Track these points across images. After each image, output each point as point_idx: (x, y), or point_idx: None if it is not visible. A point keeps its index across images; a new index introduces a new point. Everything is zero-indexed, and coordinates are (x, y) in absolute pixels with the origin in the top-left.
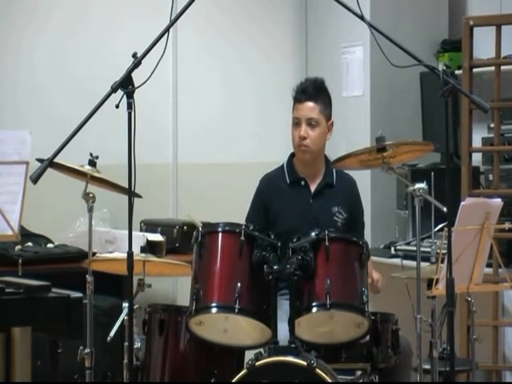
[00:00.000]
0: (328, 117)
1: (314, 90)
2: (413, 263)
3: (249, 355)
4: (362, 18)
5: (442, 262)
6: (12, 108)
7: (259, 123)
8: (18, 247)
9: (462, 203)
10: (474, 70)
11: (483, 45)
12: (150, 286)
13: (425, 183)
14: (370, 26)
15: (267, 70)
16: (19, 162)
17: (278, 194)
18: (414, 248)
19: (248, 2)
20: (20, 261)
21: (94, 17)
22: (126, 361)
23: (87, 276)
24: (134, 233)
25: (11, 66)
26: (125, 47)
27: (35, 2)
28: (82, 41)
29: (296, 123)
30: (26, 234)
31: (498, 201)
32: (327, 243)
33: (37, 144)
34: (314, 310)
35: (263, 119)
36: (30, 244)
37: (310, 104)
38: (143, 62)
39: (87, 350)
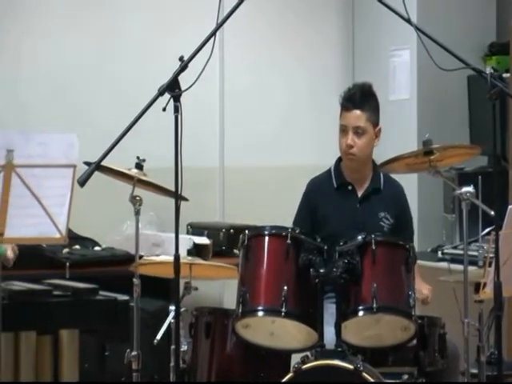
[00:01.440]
0: (375, 123)
1: (360, 98)
2: (460, 267)
3: (295, 358)
4: (408, 21)
5: (490, 265)
6: (59, 111)
7: (309, 126)
8: (65, 250)
9: (510, 206)
10: None
11: None
12: (196, 288)
13: (472, 187)
14: (417, 29)
15: (314, 71)
16: (67, 166)
17: (325, 197)
18: (461, 252)
19: (296, 6)
20: (67, 263)
21: (141, 20)
22: (172, 364)
23: (134, 279)
24: (180, 236)
25: (58, 69)
26: (172, 50)
27: (80, 4)
28: (129, 43)
29: (343, 130)
30: (73, 237)
31: None
32: (374, 247)
33: (84, 147)
34: (361, 313)
35: (313, 122)
36: (77, 247)
37: (357, 112)
38: (190, 65)
39: (134, 353)
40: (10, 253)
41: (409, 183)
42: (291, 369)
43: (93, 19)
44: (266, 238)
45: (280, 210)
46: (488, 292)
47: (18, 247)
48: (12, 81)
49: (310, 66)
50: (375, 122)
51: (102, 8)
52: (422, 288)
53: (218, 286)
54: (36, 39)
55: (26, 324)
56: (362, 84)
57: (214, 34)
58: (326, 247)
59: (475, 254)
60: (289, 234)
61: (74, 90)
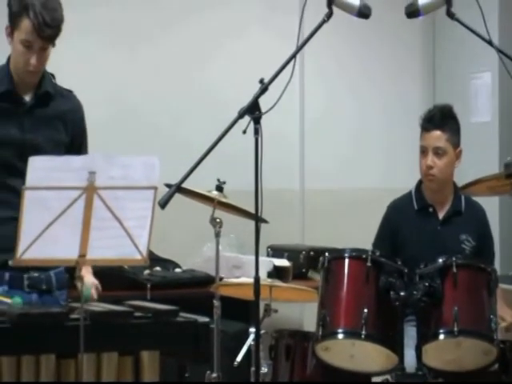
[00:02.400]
0: (456, 145)
1: (441, 118)
2: None
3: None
4: (490, 43)
5: None
6: (140, 132)
7: (387, 148)
8: (146, 272)
9: None
10: None
11: None
12: (276, 311)
13: None
14: (499, 51)
15: (395, 95)
16: (148, 187)
17: (405, 220)
18: None
19: (376, 28)
20: (148, 285)
21: (222, 43)
22: None
23: (214, 301)
24: (260, 258)
25: (139, 91)
26: (252, 73)
27: (165, 27)
28: (209, 66)
29: (423, 151)
30: (154, 259)
31: None
32: (455, 270)
33: (165, 169)
34: (442, 336)
35: (391, 144)
36: (158, 268)
37: (437, 133)
38: (270, 87)
39: (214, 375)
40: (94, 292)
41: (490, 206)
42: None
43: (175, 41)
44: (346, 261)
45: (360, 232)
46: None
47: (100, 268)
48: (87, 102)
49: (387, 90)
50: (455, 143)
51: (185, 30)
52: (505, 314)
53: (298, 309)
54: (112, 56)
55: (107, 345)
56: (442, 106)
57: (293, 56)
58: (406, 270)
59: None
60: (369, 257)
61: (154, 112)
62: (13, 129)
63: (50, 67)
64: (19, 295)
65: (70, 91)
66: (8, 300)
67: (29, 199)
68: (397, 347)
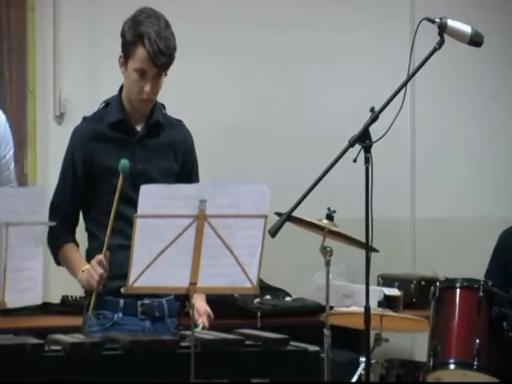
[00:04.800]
0: None
1: None
2: None
3: None
4: None
5: None
6: (251, 160)
7: (499, 177)
8: (256, 300)
9: None
10: None
11: None
12: (387, 340)
13: None
14: None
15: (500, 121)
16: (258, 216)
17: None
18: None
19: (490, 52)
20: (259, 313)
21: (333, 70)
22: None
23: (325, 330)
24: (371, 287)
25: (249, 119)
26: (362, 101)
27: (276, 52)
28: (320, 94)
29: None
30: (264, 287)
31: None
32: None
33: (275, 197)
34: None
35: (503, 173)
36: (268, 297)
37: None
38: (380, 116)
39: None
40: (205, 320)
41: None
42: None
43: (285, 67)
44: (458, 291)
45: (472, 261)
46: None
47: (211, 296)
48: (196, 131)
49: (503, 117)
50: None
51: (296, 55)
52: None
53: (409, 338)
54: (220, 83)
55: (217, 373)
56: None
57: (404, 85)
58: None
59: None
60: (481, 287)
61: (265, 139)
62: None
63: (159, 97)
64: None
65: (179, 121)
66: None
67: (140, 227)
68: (510, 378)
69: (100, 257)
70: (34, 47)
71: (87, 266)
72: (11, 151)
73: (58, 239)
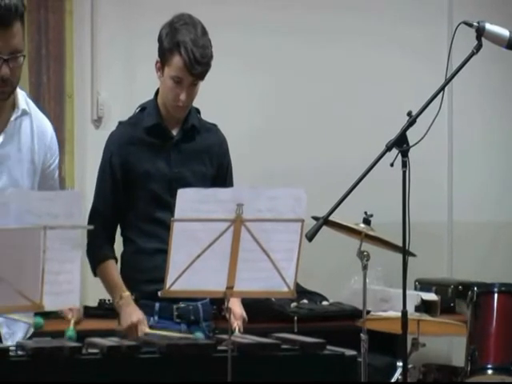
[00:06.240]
0: None
1: None
2: None
3: None
4: None
5: None
6: (286, 164)
7: None
8: (293, 304)
9: None
10: None
11: None
12: (424, 345)
13: None
14: None
15: None
16: (295, 220)
17: None
18: None
19: None
20: (295, 318)
21: (368, 71)
22: None
23: (361, 334)
24: (408, 292)
25: (283, 123)
26: (400, 105)
27: (309, 56)
28: (355, 96)
29: None
30: (301, 292)
31: None
32: None
33: (312, 201)
34: None
35: None
36: (305, 301)
37: None
38: (418, 119)
39: None
40: (240, 324)
41: None
42: None
43: (320, 71)
44: (495, 296)
45: (510, 265)
46: None
47: (247, 300)
48: (230, 134)
49: None
50: None
51: (331, 58)
52: None
53: (446, 343)
54: (254, 87)
55: (254, 377)
56: None
57: (442, 89)
58: None
59: None
60: None
61: (299, 143)
62: (161, 163)
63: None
64: (200, 331)
65: (214, 125)
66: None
67: (177, 231)
68: None
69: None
70: (71, 51)
71: (127, 293)
72: (56, 161)
73: (99, 253)
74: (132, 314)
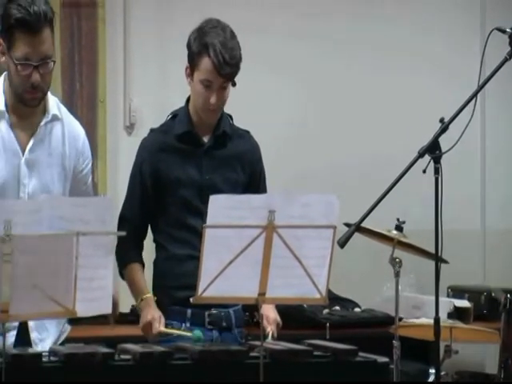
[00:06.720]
0: None
1: None
2: None
3: None
4: None
5: None
6: (319, 170)
7: None
8: (325, 311)
9: None
10: None
11: None
12: (457, 352)
13: None
14: None
15: None
16: (327, 226)
17: None
18: None
19: None
20: (327, 324)
21: (402, 78)
22: None
23: (394, 341)
24: (440, 298)
25: (315, 130)
26: (432, 112)
27: (338, 64)
28: (387, 104)
29: None
30: (333, 298)
31: None
32: None
33: (344, 208)
34: None
35: None
36: (337, 308)
37: None
38: (450, 126)
39: None
40: (274, 328)
41: None
42: None
43: (349, 77)
44: None
45: None
46: None
47: (280, 306)
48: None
49: None
50: None
51: (360, 64)
52: None
53: (479, 350)
54: (287, 93)
55: (286, 383)
56: None
57: (474, 95)
58: None
59: None
60: None
61: (333, 150)
62: (192, 170)
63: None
64: (199, 329)
65: (247, 131)
66: (188, 334)
67: (209, 237)
68: None
69: (161, 330)
70: (104, 58)
71: (149, 295)
72: (89, 165)
73: (125, 257)
74: (148, 313)
